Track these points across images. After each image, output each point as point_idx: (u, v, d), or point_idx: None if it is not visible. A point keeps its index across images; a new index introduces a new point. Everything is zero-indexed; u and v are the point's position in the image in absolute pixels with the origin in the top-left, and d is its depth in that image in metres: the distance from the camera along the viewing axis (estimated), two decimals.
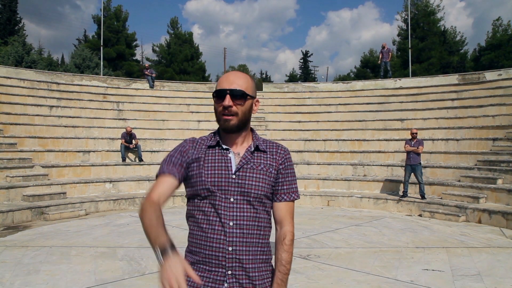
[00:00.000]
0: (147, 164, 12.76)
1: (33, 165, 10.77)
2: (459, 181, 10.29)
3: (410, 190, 10.39)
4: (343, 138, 13.99)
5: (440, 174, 11.02)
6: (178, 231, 7.55)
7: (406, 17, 32.54)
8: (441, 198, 10.04)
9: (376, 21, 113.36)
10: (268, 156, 1.70)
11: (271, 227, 1.71)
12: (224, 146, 1.68)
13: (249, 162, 1.66)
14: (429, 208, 9.59)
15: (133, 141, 12.85)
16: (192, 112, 16.58)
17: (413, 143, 10.15)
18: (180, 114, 16.32)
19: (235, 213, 1.60)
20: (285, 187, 1.71)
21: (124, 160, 12.62)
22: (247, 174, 1.63)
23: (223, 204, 1.60)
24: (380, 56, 18.75)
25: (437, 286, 4.72)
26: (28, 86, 14.85)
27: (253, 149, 1.69)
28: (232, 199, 1.61)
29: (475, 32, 69.02)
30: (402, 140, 11.82)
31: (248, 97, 1.65)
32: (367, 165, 12.43)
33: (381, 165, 12.20)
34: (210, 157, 1.66)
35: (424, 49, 32.32)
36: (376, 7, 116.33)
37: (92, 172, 11.81)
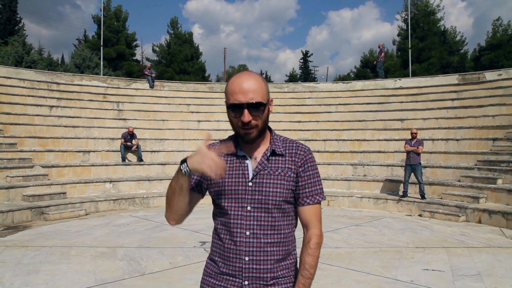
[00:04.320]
0: (147, 164, 12.76)
1: (33, 165, 10.76)
2: (459, 181, 10.29)
3: (410, 190, 10.38)
4: (343, 138, 13.99)
5: (440, 174, 11.02)
6: (179, 231, 7.56)
7: (406, 17, 32.55)
8: (441, 198, 10.03)
9: (376, 21, 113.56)
10: (287, 159, 1.62)
11: (294, 230, 1.67)
12: (241, 153, 1.62)
13: (266, 168, 1.59)
14: (429, 208, 9.58)
15: (134, 141, 12.85)
16: (192, 112, 16.57)
17: (413, 143, 10.15)
18: (180, 114, 16.32)
19: (251, 222, 1.56)
20: (307, 190, 1.63)
21: (124, 160, 12.62)
22: (264, 181, 1.57)
23: (239, 213, 1.57)
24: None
25: (437, 286, 4.72)
26: (28, 86, 14.85)
27: (269, 153, 1.61)
28: (249, 208, 1.56)
29: (475, 32, 69.09)
30: (402, 140, 11.82)
31: (265, 106, 1.56)
32: (367, 165, 12.43)
33: (381, 165, 12.20)
34: (228, 165, 1.61)
35: (424, 49, 32.32)
36: (377, 6, 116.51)
37: (92, 172, 11.81)
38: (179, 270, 5.26)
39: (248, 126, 1.53)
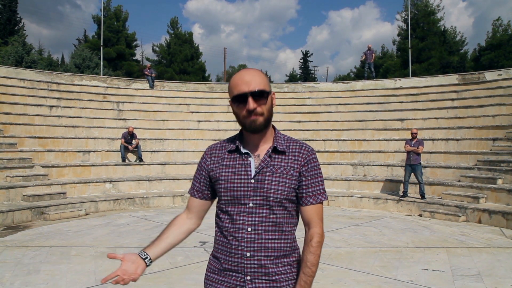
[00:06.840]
0: (147, 164, 12.76)
1: (33, 165, 10.76)
2: (459, 181, 10.29)
3: (410, 190, 10.38)
4: (343, 138, 13.99)
5: (440, 174, 11.02)
6: None
7: (406, 17, 32.52)
8: (441, 198, 10.03)
9: (377, 21, 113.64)
10: (290, 157, 1.64)
11: (294, 229, 1.69)
12: (244, 151, 1.65)
13: (268, 165, 1.62)
14: (429, 208, 9.58)
15: (134, 141, 12.85)
16: (192, 112, 16.56)
17: (413, 143, 10.15)
18: (180, 114, 16.32)
19: (253, 218, 1.59)
20: (310, 189, 1.65)
21: (124, 160, 12.61)
22: (266, 178, 1.60)
23: (242, 209, 1.60)
24: (363, 57, 18.90)
25: (437, 286, 4.72)
26: (28, 86, 14.85)
27: (271, 151, 1.64)
28: (251, 204, 1.60)
29: (475, 32, 69.08)
30: (402, 140, 11.82)
31: (268, 94, 1.61)
32: (367, 165, 12.43)
33: (381, 165, 12.19)
34: (230, 162, 1.66)
35: (424, 49, 32.29)
36: (377, 6, 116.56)
37: (92, 172, 11.81)
38: (179, 270, 5.25)
39: (253, 113, 1.56)
